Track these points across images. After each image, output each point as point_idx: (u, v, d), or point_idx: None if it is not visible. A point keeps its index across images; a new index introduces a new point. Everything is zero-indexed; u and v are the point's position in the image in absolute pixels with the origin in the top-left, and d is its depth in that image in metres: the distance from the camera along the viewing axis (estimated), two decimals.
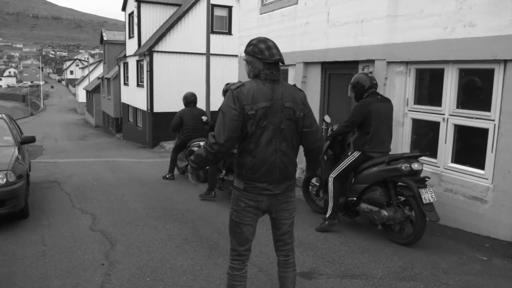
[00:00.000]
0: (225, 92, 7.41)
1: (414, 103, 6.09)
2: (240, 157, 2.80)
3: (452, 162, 5.57)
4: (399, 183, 4.89)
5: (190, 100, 9.17)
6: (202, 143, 8.51)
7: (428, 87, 6.08)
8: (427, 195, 4.60)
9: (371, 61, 6.55)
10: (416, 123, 6.11)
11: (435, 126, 5.74)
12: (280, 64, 2.85)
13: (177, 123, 8.95)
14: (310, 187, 6.46)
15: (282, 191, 2.87)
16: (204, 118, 8.60)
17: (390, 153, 5.25)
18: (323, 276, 4.04)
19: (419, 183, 4.70)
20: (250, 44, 2.86)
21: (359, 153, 5.16)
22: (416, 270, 4.16)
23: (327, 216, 5.36)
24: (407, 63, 6.07)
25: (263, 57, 2.78)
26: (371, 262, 4.36)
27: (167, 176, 9.28)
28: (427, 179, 4.81)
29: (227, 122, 2.69)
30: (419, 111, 5.99)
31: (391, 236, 5.00)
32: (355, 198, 5.26)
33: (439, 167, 5.68)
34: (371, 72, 6.46)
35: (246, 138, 2.75)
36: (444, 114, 5.58)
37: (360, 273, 4.12)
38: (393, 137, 6.13)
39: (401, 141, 6.21)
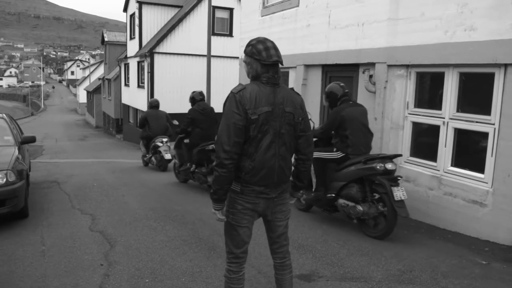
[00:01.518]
0: (192, 99, 8.23)
1: (414, 107, 6.09)
2: (239, 160, 2.75)
3: (452, 165, 5.57)
4: (374, 181, 5.16)
5: (154, 104, 11.35)
6: (165, 139, 10.81)
7: (428, 90, 6.08)
8: (398, 193, 4.95)
9: (371, 64, 6.56)
10: (416, 126, 6.11)
11: (435, 129, 5.74)
12: (280, 65, 2.82)
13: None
14: None
15: (278, 194, 2.87)
16: (175, 122, 10.80)
17: (371, 152, 5.60)
18: (322, 279, 4.04)
19: (392, 181, 5.04)
20: (249, 44, 2.84)
21: (343, 154, 5.48)
22: (415, 273, 4.16)
23: (313, 190, 5.87)
24: (407, 66, 6.08)
25: (260, 58, 2.75)
26: (370, 265, 4.36)
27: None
28: (399, 178, 5.15)
29: (231, 128, 2.66)
30: (419, 115, 5.99)
31: (365, 230, 5.33)
32: (334, 195, 5.55)
33: (438, 170, 5.68)
34: (371, 76, 6.47)
35: (247, 142, 2.72)
36: (444, 118, 5.59)
37: (359, 275, 4.11)
38: (392, 140, 6.16)
39: (401, 144, 6.21)
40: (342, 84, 5.73)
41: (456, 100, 5.48)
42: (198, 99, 8.18)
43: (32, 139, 7.43)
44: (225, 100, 2.76)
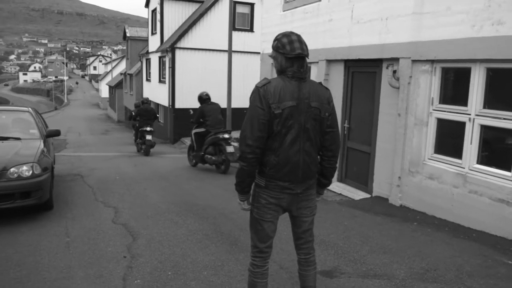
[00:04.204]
0: (199, 98, 10.14)
1: (439, 103, 5.98)
2: (263, 155, 2.74)
3: (477, 163, 5.45)
4: (219, 143, 9.57)
5: (206, 97, 11.91)
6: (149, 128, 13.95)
7: (454, 86, 5.97)
8: (229, 148, 9.43)
9: (395, 59, 6.47)
10: (441, 123, 6.00)
11: (460, 126, 5.63)
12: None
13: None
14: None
15: (303, 190, 2.84)
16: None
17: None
18: (345, 275, 4.02)
19: (226, 143, 9.46)
20: (275, 39, 2.80)
21: (205, 130, 9.88)
22: (440, 272, 4.10)
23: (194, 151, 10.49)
24: (432, 61, 5.97)
25: (284, 51, 2.71)
26: (393, 263, 4.31)
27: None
28: (229, 141, 9.53)
29: (255, 122, 2.65)
30: (444, 111, 5.88)
31: (217, 170, 9.97)
32: (203, 153, 10.01)
33: (464, 168, 5.57)
34: (395, 71, 6.38)
35: (271, 137, 2.70)
36: (470, 114, 5.47)
37: (381, 273, 4.07)
38: (416, 136, 6.13)
39: (425, 140, 6.11)
40: (206, 92, 10.07)
41: (483, 96, 5.35)
42: (204, 98, 10.01)
43: (56, 133, 7.54)
44: (251, 93, 2.75)
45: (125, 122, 38.29)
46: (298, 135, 2.72)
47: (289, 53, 2.70)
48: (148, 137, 13.90)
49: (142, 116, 14.13)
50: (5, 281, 3.97)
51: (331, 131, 2.86)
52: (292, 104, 2.68)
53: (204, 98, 9.96)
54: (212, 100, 10.13)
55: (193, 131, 10.27)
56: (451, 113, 5.78)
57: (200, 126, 10.03)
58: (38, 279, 4.00)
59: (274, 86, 2.68)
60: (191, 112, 11.14)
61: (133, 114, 14.74)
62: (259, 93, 2.67)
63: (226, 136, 9.55)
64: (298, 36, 2.77)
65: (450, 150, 5.85)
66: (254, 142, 2.66)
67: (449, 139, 5.95)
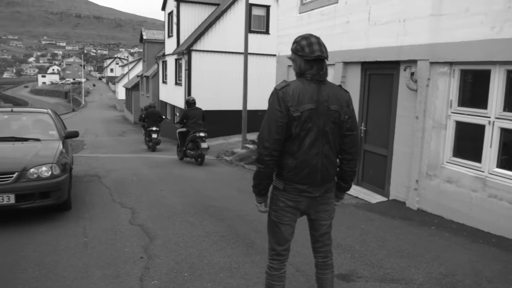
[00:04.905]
0: (187, 102, 12.33)
1: (458, 105, 5.91)
2: (281, 158, 2.73)
3: (497, 167, 5.36)
4: (196, 140, 11.53)
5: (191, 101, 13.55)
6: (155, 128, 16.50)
7: (473, 88, 5.89)
8: (204, 144, 11.37)
9: (413, 61, 6.41)
10: (460, 125, 5.92)
11: (480, 129, 5.54)
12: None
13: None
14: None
15: (321, 193, 2.82)
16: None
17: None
18: (362, 279, 3.99)
19: (201, 140, 11.41)
20: (294, 41, 2.78)
21: (186, 129, 11.84)
22: (458, 278, 4.04)
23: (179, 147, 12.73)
24: (451, 63, 5.90)
25: (303, 54, 2.70)
26: (410, 267, 4.26)
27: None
28: (204, 138, 11.48)
29: (273, 125, 2.64)
30: (463, 114, 5.80)
31: (195, 162, 11.86)
32: (185, 148, 12.01)
33: (483, 171, 5.49)
34: (412, 73, 6.32)
35: (289, 140, 2.68)
36: (490, 117, 5.39)
37: (399, 277, 4.03)
38: (434, 140, 6.05)
39: (443, 143, 6.04)
40: (192, 98, 12.27)
41: (503, 99, 5.27)
42: (190, 102, 12.13)
43: (75, 134, 7.64)
44: (269, 96, 2.75)
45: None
46: (316, 138, 2.70)
47: (308, 55, 2.69)
48: (154, 135, 16.40)
49: (149, 118, 16.74)
50: (25, 279, 4.03)
51: (350, 134, 2.84)
52: (311, 107, 2.66)
53: (190, 103, 12.10)
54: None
55: (178, 131, 12.41)
56: (470, 116, 5.70)
57: (183, 126, 12.11)
58: (57, 278, 4.05)
59: (293, 88, 2.67)
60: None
61: (142, 116, 17.62)
62: (278, 95, 2.66)
63: (202, 134, 11.53)
64: (318, 38, 2.75)
65: (469, 153, 5.77)
66: (272, 144, 2.65)
67: (468, 142, 5.87)
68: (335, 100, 2.75)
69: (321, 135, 2.71)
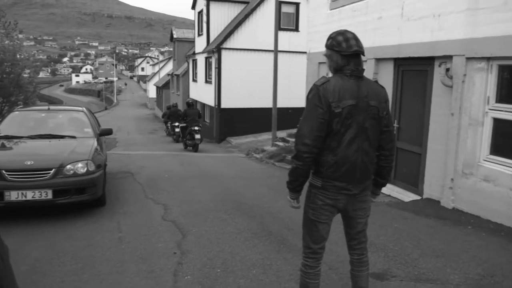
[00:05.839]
0: (187, 103, 16.45)
1: (496, 102, 5.73)
2: (320, 155, 2.69)
3: None
4: (192, 133, 14.99)
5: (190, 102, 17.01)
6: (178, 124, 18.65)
7: (511, 85, 5.69)
8: (197, 136, 14.84)
9: (448, 57, 6.25)
10: (498, 123, 5.74)
11: None
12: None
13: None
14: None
15: (360, 191, 2.78)
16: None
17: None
18: (396, 279, 3.93)
19: (196, 132, 14.92)
20: (329, 37, 2.76)
21: (186, 124, 15.52)
22: (497, 279, 3.92)
23: (181, 138, 17.18)
24: (488, 59, 5.73)
25: (340, 49, 2.67)
26: (446, 267, 4.17)
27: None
28: (198, 131, 14.92)
29: (314, 121, 2.61)
30: (502, 110, 5.62)
31: (192, 149, 15.25)
32: (185, 139, 15.72)
33: None
34: (448, 69, 6.17)
35: (329, 136, 2.65)
36: None
37: (435, 277, 3.95)
38: (471, 137, 5.91)
39: (479, 141, 5.87)
40: (191, 100, 16.22)
41: None
42: (190, 103, 16.03)
43: (109, 132, 7.81)
44: (308, 92, 2.72)
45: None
46: (356, 135, 2.67)
47: (346, 50, 2.66)
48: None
49: (171, 116, 20.42)
50: (63, 272, 4.15)
51: (387, 130, 2.81)
52: (352, 103, 2.63)
53: (189, 104, 16.09)
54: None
55: (180, 125, 17.47)
56: (509, 112, 5.52)
57: (183, 122, 16.18)
58: (93, 272, 4.16)
59: (334, 84, 2.64)
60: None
61: (165, 115, 21.50)
62: (319, 92, 2.63)
63: (196, 128, 15.00)
64: (353, 33, 2.73)
65: (507, 151, 5.59)
66: (313, 141, 2.62)
67: (506, 140, 5.68)
68: (374, 96, 2.71)
69: (361, 131, 2.68)
